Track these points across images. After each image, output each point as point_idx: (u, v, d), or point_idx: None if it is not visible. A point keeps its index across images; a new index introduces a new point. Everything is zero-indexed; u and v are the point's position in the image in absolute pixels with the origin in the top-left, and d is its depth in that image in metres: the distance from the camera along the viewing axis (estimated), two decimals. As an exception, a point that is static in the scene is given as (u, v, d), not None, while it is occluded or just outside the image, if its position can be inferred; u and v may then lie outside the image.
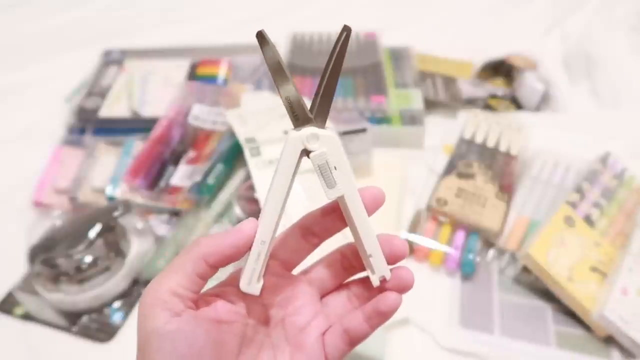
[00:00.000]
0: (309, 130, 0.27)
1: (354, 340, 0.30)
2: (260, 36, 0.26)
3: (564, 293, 0.51)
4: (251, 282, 0.28)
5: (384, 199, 0.29)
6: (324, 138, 0.27)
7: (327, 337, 0.31)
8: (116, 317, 0.53)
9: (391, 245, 0.29)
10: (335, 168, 0.28)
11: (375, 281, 0.29)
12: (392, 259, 0.29)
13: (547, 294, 0.53)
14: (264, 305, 0.31)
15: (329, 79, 0.27)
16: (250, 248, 0.28)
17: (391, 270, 0.29)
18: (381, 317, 0.29)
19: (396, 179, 0.64)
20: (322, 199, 0.29)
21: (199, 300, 0.28)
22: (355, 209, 0.28)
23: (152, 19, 1.03)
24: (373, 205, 0.29)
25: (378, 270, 0.29)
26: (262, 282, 0.29)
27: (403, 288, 0.29)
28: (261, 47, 0.26)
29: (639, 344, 0.47)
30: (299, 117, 0.27)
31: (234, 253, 0.27)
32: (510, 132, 0.67)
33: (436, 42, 0.87)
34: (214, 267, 0.28)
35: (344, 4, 1.04)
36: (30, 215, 0.62)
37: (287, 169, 0.28)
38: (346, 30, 0.26)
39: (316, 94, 0.27)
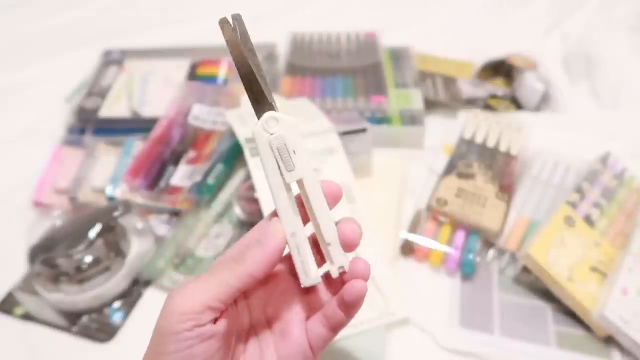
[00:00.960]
0: (268, 114, 0.28)
1: (334, 326, 0.30)
2: (223, 22, 0.26)
3: (564, 293, 0.51)
4: (307, 275, 0.29)
5: (341, 196, 0.30)
6: (283, 121, 0.28)
7: (310, 325, 0.31)
8: (116, 317, 0.53)
9: (343, 234, 0.29)
10: (294, 152, 0.28)
11: (334, 272, 0.29)
12: (343, 247, 0.29)
13: (547, 294, 0.53)
14: (247, 297, 0.32)
15: (251, 61, 0.28)
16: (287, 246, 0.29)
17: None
18: (350, 307, 0.29)
19: (396, 179, 0.64)
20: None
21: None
22: (314, 195, 0.28)
23: (152, 19, 1.03)
24: (330, 201, 0.29)
25: (336, 260, 0.29)
26: (316, 269, 0.29)
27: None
28: (222, 32, 0.27)
29: (639, 344, 0.47)
30: (259, 101, 0.28)
31: (276, 258, 0.28)
32: (510, 132, 0.67)
33: (436, 42, 0.87)
34: (258, 279, 0.28)
35: (344, 4, 1.04)
36: (30, 215, 0.62)
37: (270, 160, 0.28)
38: (235, 16, 0.28)
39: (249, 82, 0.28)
